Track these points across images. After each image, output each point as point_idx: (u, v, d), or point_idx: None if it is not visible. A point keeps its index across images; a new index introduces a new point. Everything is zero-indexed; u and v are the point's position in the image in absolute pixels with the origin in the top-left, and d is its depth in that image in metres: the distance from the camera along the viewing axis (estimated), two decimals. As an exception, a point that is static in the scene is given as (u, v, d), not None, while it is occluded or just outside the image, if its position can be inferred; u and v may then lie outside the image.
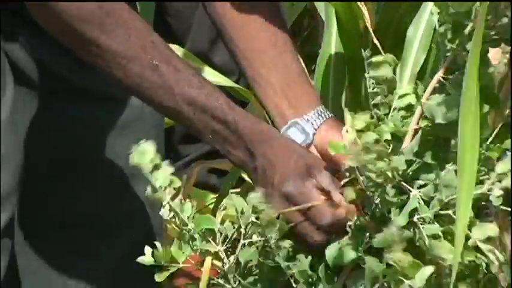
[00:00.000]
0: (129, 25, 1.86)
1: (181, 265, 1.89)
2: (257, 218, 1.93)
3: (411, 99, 1.85)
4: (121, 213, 2.27)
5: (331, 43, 2.82)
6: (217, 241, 1.89)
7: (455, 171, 1.82)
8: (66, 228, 2.24)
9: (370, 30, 2.69)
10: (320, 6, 2.94)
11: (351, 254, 1.84)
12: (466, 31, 1.79)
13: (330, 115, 1.97)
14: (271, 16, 2.11)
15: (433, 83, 1.82)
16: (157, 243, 1.91)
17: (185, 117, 1.87)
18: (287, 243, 1.91)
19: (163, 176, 1.88)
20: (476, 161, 1.62)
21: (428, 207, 1.82)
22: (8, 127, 2.09)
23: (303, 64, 2.35)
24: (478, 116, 1.61)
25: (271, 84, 2.06)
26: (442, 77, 1.79)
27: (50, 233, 2.22)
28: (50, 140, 2.20)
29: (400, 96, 1.86)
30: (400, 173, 1.84)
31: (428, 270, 1.80)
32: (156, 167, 1.88)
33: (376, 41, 2.57)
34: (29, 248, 2.23)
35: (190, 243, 1.91)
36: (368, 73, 1.90)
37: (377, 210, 1.87)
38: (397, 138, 1.88)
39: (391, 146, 1.86)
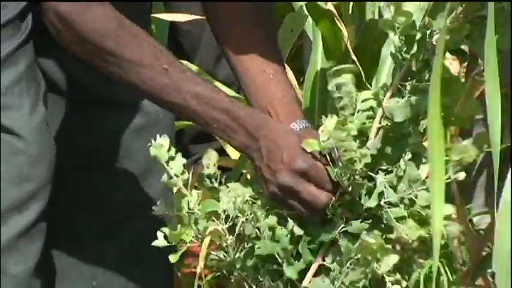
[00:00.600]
0: (141, 38, 1.89)
1: (188, 244, 1.93)
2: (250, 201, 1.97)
3: (372, 102, 1.89)
4: (137, 203, 2.24)
5: (318, 60, 2.85)
6: (221, 221, 1.93)
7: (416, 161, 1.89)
8: (90, 215, 2.24)
9: (350, 49, 2.73)
10: (308, 28, 2.96)
11: (328, 235, 1.89)
12: (415, 45, 1.84)
13: (310, 125, 1.97)
14: (268, 41, 2.13)
15: (392, 89, 1.88)
16: (167, 229, 1.94)
17: (192, 111, 1.89)
18: (271, 221, 1.93)
19: (178, 165, 1.94)
20: (443, 150, 1.62)
21: (395, 192, 1.87)
22: (42, 129, 2.07)
23: (293, 80, 2.44)
24: (440, 117, 1.60)
25: (264, 104, 2.04)
26: (399, 84, 1.85)
27: (76, 219, 2.23)
28: (76, 141, 2.20)
29: (363, 100, 1.90)
30: (366, 162, 1.88)
31: (394, 258, 1.85)
32: (171, 158, 1.95)
33: (355, 59, 2.62)
34: (58, 231, 2.19)
35: (195, 225, 1.95)
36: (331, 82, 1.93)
37: (349, 197, 1.92)
38: (364, 134, 1.92)
39: (358, 141, 1.90)
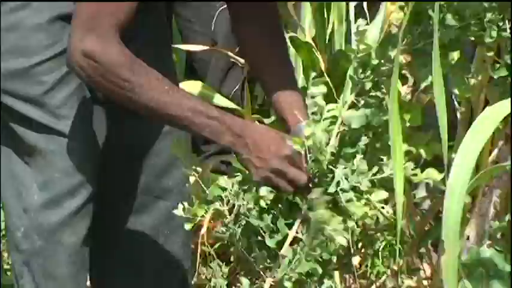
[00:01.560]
0: (147, 68, 1.83)
1: (199, 218, 1.91)
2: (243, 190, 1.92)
3: (335, 112, 1.88)
4: (164, 188, 2.19)
5: (299, 76, 2.84)
6: (223, 203, 1.91)
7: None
8: (128, 197, 2.17)
9: (324, 72, 2.74)
10: (292, 55, 2.79)
11: (300, 214, 1.87)
12: (369, 69, 1.84)
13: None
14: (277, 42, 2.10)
15: (348, 102, 1.87)
16: (186, 205, 1.91)
17: (189, 121, 1.83)
18: (257, 206, 1.90)
19: (192, 161, 1.97)
20: (402, 148, 1.66)
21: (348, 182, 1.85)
22: (89, 133, 2.06)
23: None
24: (399, 122, 1.65)
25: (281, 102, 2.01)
26: (355, 99, 1.86)
27: (118, 200, 2.18)
28: (118, 141, 2.13)
29: (328, 110, 1.89)
30: (328, 158, 1.86)
31: (337, 220, 1.82)
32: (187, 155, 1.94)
33: (328, 79, 2.51)
34: (104, 210, 2.15)
35: (207, 205, 1.92)
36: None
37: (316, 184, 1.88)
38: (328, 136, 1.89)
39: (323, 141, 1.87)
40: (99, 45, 1.80)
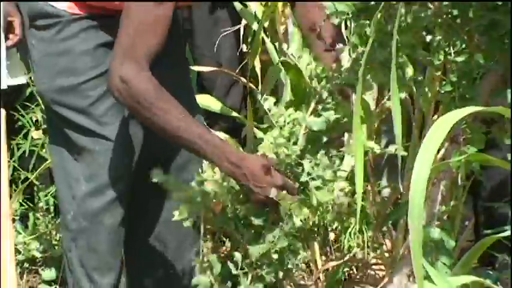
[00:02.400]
0: (168, 95, 1.77)
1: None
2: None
3: (295, 116, 1.88)
4: (184, 180, 2.06)
5: (287, 94, 2.83)
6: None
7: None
8: (156, 187, 2.01)
9: (308, 89, 2.71)
10: (282, 75, 2.91)
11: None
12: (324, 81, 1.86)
13: None
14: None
15: (310, 109, 1.87)
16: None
17: (198, 147, 1.76)
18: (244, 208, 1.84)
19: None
20: (363, 146, 1.60)
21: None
22: (126, 139, 2.05)
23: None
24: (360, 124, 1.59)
25: None
26: (315, 106, 1.86)
27: (146, 188, 2.03)
28: (144, 142, 2.10)
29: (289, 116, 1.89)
30: (297, 154, 1.85)
31: (306, 211, 1.81)
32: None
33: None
34: (136, 200, 2.12)
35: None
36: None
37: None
38: (294, 138, 1.88)
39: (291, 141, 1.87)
40: (133, 73, 1.76)
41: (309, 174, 1.85)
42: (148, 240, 2.20)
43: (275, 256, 1.84)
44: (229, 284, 1.88)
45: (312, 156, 1.88)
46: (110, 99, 1.94)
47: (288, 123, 1.90)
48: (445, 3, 1.73)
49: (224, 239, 1.96)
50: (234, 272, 1.82)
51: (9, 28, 2.56)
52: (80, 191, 2.03)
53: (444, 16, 1.75)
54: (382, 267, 2.52)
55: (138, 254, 2.21)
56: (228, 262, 1.86)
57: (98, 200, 2.03)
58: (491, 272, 2.25)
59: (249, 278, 1.85)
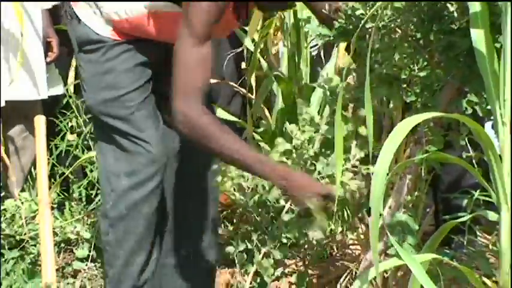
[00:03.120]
0: (220, 125, 1.76)
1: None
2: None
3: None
4: (207, 172, 2.16)
5: (279, 102, 2.86)
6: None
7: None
8: (183, 179, 2.14)
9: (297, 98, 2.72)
10: (274, 87, 2.93)
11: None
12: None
13: None
14: None
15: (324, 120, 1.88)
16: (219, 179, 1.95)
17: (248, 165, 1.74)
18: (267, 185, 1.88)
19: None
20: (342, 148, 1.59)
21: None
22: (160, 141, 2.03)
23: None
24: (342, 129, 1.57)
25: None
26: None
27: (177, 182, 2.14)
28: (176, 144, 2.10)
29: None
30: (311, 155, 1.88)
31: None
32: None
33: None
34: (167, 191, 2.12)
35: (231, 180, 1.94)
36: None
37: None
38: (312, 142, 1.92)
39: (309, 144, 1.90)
40: (191, 109, 1.75)
41: (319, 173, 1.86)
42: (179, 223, 2.19)
43: (284, 240, 1.88)
44: (245, 256, 1.93)
45: (325, 158, 1.88)
46: (147, 109, 2.00)
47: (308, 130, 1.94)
48: (411, 27, 1.73)
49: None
50: (249, 247, 1.88)
51: (48, 47, 2.57)
52: (121, 185, 2.03)
53: (409, 39, 1.76)
54: (359, 247, 2.50)
55: (171, 232, 2.19)
56: (246, 241, 1.90)
57: (138, 193, 2.02)
58: (448, 251, 2.23)
59: (261, 254, 1.90)
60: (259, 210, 1.95)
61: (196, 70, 1.75)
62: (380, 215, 1.40)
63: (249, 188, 1.94)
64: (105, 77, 2.00)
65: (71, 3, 2.01)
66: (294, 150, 1.89)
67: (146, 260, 2.08)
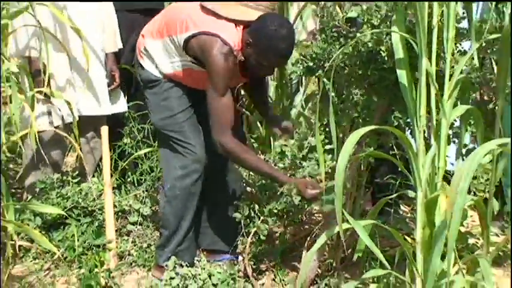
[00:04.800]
0: (245, 147, 1.84)
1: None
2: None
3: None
4: (230, 169, 2.14)
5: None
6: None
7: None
8: (215, 170, 2.09)
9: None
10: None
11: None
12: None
13: None
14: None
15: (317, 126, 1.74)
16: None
17: (271, 174, 1.82)
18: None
19: None
20: (322, 149, 1.58)
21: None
22: (202, 145, 2.00)
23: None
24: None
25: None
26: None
27: (213, 171, 2.07)
28: (212, 147, 1.94)
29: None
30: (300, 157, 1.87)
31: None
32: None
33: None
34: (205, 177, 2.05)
35: None
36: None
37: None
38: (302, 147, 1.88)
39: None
40: (226, 139, 1.82)
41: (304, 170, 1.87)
42: (215, 194, 2.16)
43: (275, 211, 1.89)
44: (248, 221, 1.95)
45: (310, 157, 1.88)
46: (192, 123, 2.01)
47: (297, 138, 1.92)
48: (356, 65, 1.71)
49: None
50: (252, 214, 1.91)
51: (112, 78, 2.53)
52: (177, 174, 2.01)
53: (354, 73, 1.74)
54: (321, 215, 2.44)
55: (209, 203, 2.17)
56: (250, 210, 1.93)
57: (189, 179, 2.02)
58: (381, 218, 2.18)
59: (260, 220, 1.91)
60: (261, 191, 1.99)
61: (224, 112, 1.81)
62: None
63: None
64: (163, 102, 2.01)
65: (138, 56, 2.04)
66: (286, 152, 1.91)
67: (190, 225, 2.07)
